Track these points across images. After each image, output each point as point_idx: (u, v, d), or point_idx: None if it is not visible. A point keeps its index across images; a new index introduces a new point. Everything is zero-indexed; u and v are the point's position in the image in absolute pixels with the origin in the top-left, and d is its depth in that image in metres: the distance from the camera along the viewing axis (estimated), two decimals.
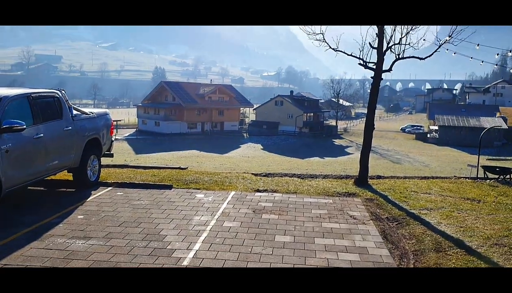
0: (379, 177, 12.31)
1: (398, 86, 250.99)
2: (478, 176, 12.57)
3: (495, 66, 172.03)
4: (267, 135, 72.73)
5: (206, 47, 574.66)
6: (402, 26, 10.18)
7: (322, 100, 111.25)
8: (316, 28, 10.37)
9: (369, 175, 11.54)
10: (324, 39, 10.45)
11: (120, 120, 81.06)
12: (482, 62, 27.42)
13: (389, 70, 10.48)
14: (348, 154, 57.35)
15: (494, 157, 48.45)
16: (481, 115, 72.18)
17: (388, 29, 10.22)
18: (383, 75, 10.84)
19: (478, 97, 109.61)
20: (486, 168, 12.43)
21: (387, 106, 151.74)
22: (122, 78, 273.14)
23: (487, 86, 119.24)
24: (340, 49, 10.71)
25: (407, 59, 10.75)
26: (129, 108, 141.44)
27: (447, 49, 10.81)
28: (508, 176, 12.02)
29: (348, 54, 10.58)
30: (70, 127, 8.79)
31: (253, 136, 74.25)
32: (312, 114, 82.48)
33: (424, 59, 9.86)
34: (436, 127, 71.48)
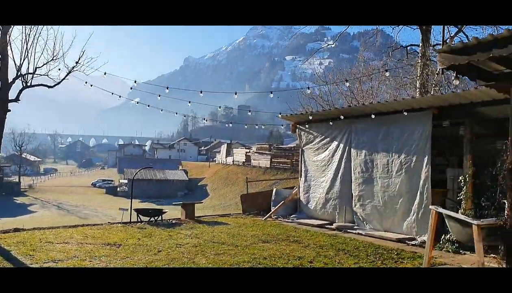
0: (16, 230, 10.26)
1: (92, 142, 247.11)
2: (132, 220, 12.20)
3: (179, 125, 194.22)
4: None
5: None
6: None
7: (4, 155, 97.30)
8: None
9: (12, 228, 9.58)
10: None
11: None
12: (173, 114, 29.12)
13: (16, 99, 8.83)
14: (32, 212, 51.31)
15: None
16: (167, 168, 78.41)
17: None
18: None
19: (165, 152, 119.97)
20: (139, 211, 12.20)
21: (80, 161, 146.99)
22: None
23: (172, 143, 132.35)
24: None
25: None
26: None
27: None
28: (159, 217, 12.10)
29: None
30: None
31: None
32: None
33: (53, 87, 8.77)
34: (126, 181, 72.78)
